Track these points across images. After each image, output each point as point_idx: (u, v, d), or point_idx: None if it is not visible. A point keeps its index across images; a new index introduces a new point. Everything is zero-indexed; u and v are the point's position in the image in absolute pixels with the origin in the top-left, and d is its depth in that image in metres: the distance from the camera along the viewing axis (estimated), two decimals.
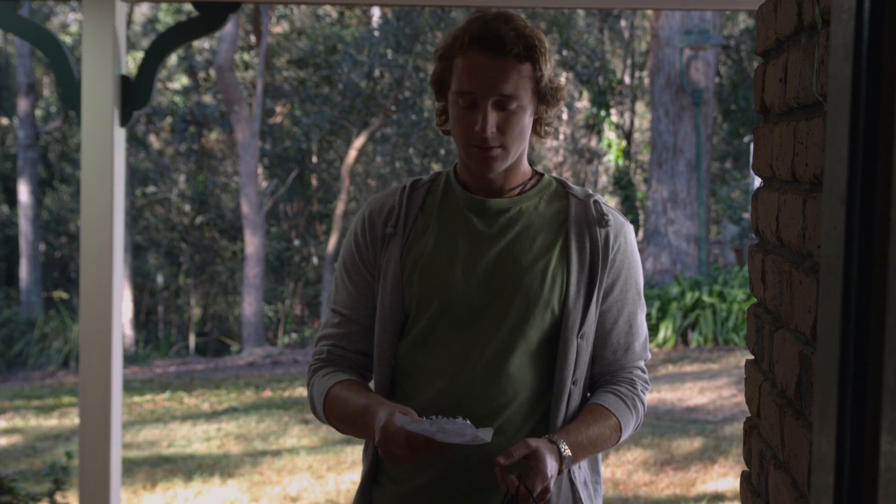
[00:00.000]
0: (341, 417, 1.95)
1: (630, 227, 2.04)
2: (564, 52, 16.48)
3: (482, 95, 1.89)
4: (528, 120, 1.95)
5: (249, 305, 15.68)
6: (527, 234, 1.97)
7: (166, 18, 19.11)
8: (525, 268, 1.95)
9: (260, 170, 18.63)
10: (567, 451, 1.87)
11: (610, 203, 20.76)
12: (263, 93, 16.86)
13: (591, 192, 2.04)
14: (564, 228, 1.98)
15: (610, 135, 16.82)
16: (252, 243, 15.84)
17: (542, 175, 2.06)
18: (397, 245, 1.98)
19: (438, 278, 1.96)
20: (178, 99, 19.27)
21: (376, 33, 17.30)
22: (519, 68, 1.90)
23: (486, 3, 4.42)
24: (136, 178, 19.28)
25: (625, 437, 2.00)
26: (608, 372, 2.03)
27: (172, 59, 18.42)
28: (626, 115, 21.01)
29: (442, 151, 18.44)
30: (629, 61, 21.07)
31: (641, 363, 2.06)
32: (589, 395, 2.04)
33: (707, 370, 9.80)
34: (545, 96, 1.96)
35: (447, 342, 1.95)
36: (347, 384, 1.97)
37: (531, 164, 2.08)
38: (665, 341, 11.40)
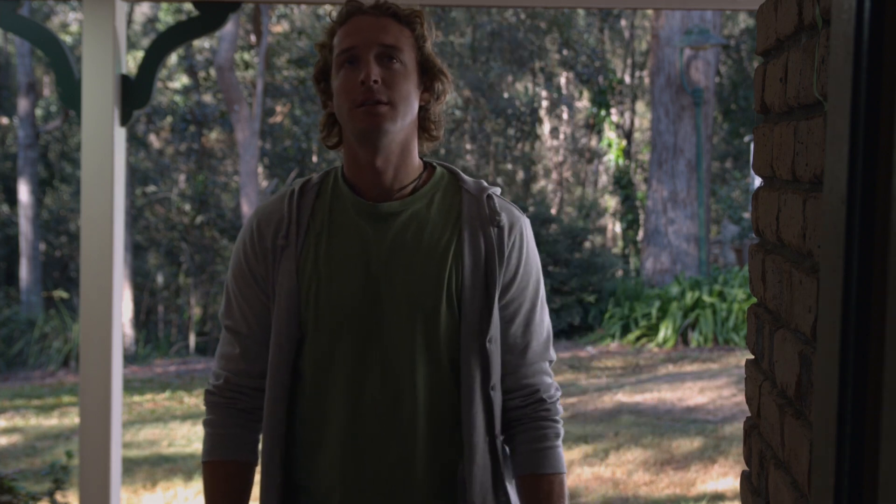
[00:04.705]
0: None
1: (526, 221, 1.92)
2: (564, 52, 16.48)
3: (364, 48, 1.81)
4: (413, 88, 1.85)
5: None
6: (419, 237, 1.85)
7: (166, 18, 19.11)
8: (418, 274, 1.83)
9: (260, 169, 18.63)
10: None
11: (610, 203, 20.37)
12: (263, 92, 16.86)
13: (485, 185, 1.92)
14: (458, 227, 1.86)
15: (610, 134, 16.83)
16: None
17: (434, 168, 1.94)
18: (291, 257, 1.85)
19: (334, 292, 1.83)
20: (178, 98, 19.27)
21: None
22: (399, 28, 1.85)
23: (482, 3, 4.41)
24: (136, 177, 19.28)
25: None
26: (512, 388, 1.90)
27: (172, 58, 18.42)
28: (626, 115, 21.00)
29: (442, 151, 18.43)
30: (629, 61, 21.06)
31: (545, 365, 1.93)
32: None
33: (707, 370, 9.80)
34: (430, 73, 1.88)
35: (348, 357, 1.83)
36: (213, 473, 2.07)
37: (421, 157, 1.96)
38: (665, 341, 11.41)
